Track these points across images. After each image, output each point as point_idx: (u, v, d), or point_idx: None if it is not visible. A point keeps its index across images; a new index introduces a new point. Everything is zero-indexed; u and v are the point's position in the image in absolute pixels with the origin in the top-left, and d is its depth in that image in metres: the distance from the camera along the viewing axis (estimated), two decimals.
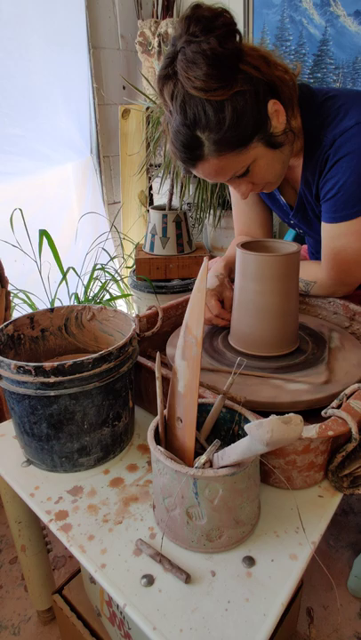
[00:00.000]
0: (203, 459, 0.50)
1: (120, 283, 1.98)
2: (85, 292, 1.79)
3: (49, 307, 0.86)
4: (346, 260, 0.82)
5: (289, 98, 0.71)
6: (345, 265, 0.83)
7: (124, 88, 2.06)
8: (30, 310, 1.67)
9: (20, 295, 1.68)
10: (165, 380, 0.63)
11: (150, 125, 1.89)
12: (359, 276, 0.86)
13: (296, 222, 0.98)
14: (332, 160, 0.75)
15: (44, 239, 1.62)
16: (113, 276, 1.89)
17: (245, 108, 0.65)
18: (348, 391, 0.60)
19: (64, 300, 1.77)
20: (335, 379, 0.69)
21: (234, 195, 1.08)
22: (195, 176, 1.75)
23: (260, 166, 0.74)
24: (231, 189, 1.06)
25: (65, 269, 1.69)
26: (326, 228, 0.82)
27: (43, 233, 1.62)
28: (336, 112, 0.74)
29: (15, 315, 1.63)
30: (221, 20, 0.63)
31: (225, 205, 1.89)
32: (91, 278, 1.80)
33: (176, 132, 0.68)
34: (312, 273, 0.89)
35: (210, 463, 0.51)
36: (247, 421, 0.56)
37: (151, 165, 2.04)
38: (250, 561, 0.51)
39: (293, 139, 0.76)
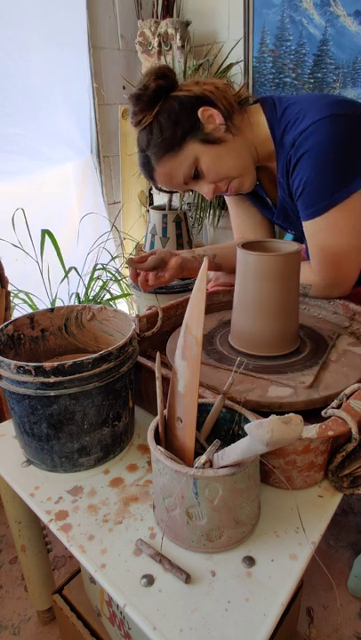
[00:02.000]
0: (203, 459, 0.50)
1: (121, 282, 1.98)
2: (86, 292, 1.79)
3: (49, 307, 0.86)
4: (331, 258, 0.83)
5: (225, 104, 0.83)
6: (332, 263, 0.83)
7: (124, 88, 2.06)
8: (31, 310, 1.67)
9: (21, 295, 1.68)
10: (165, 380, 0.63)
11: None
12: (350, 273, 0.86)
13: (280, 223, 1.01)
14: (294, 159, 0.80)
15: (47, 239, 1.62)
16: (114, 275, 1.89)
17: (170, 119, 0.81)
18: (348, 391, 0.60)
19: (65, 300, 1.78)
20: (323, 384, 0.69)
21: (228, 202, 1.11)
22: None
23: (206, 163, 0.84)
24: (226, 199, 1.11)
25: (66, 269, 1.70)
26: (306, 227, 0.84)
27: (45, 232, 1.62)
28: (296, 117, 0.79)
29: (15, 315, 1.63)
30: (154, 74, 0.81)
31: (225, 205, 1.89)
32: (91, 278, 1.80)
33: (138, 159, 0.89)
34: (306, 276, 0.90)
35: (210, 463, 0.51)
36: (247, 421, 0.56)
37: None
38: (250, 561, 0.51)
39: (235, 132, 0.83)
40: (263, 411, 0.63)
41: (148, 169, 0.88)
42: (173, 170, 0.85)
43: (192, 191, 0.94)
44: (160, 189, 0.96)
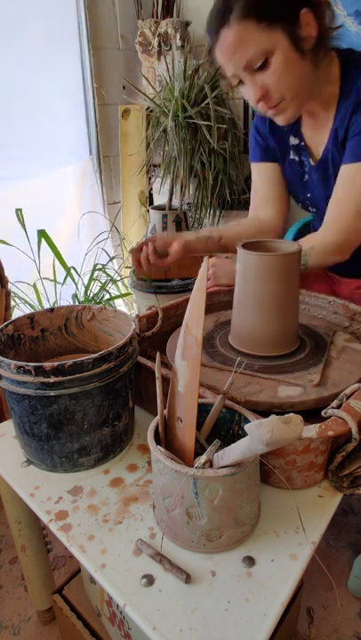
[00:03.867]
0: (203, 459, 0.50)
1: (120, 283, 1.98)
2: (85, 293, 1.79)
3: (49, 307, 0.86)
4: (354, 208, 0.83)
5: (324, 27, 0.78)
6: (355, 213, 0.83)
7: (124, 88, 2.06)
8: (30, 310, 1.67)
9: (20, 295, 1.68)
10: (165, 380, 0.63)
11: (150, 125, 1.89)
12: (357, 234, 0.86)
13: (311, 182, 0.99)
14: None
15: (43, 239, 1.62)
16: (112, 277, 1.89)
17: None
18: (348, 391, 0.60)
19: (64, 301, 1.77)
20: (331, 381, 0.69)
21: (254, 169, 1.09)
22: (195, 176, 1.75)
23: (278, 62, 0.77)
24: (253, 168, 1.08)
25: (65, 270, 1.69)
26: (346, 170, 0.84)
27: (41, 233, 1.62)
28: None
29: (15, 315, 1.63)
30: None
31: (225, 205, 1.89)
32: (91, 278, 1.80)
33: (214, 3, 0.79)
34: (310, 240, 0.89)
35: (210, 463, 0.51)
36: (247, 421, 0.56)
37: (151, 165, 2.04)
38: (250, 561, 0.51)
39: (319, 55, 0.80)
40: (274, 411, 0.62)
41: (220, 21, 0.77)
42: (247, 40, 0.76)
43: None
44: (211, 60, 0.84)
